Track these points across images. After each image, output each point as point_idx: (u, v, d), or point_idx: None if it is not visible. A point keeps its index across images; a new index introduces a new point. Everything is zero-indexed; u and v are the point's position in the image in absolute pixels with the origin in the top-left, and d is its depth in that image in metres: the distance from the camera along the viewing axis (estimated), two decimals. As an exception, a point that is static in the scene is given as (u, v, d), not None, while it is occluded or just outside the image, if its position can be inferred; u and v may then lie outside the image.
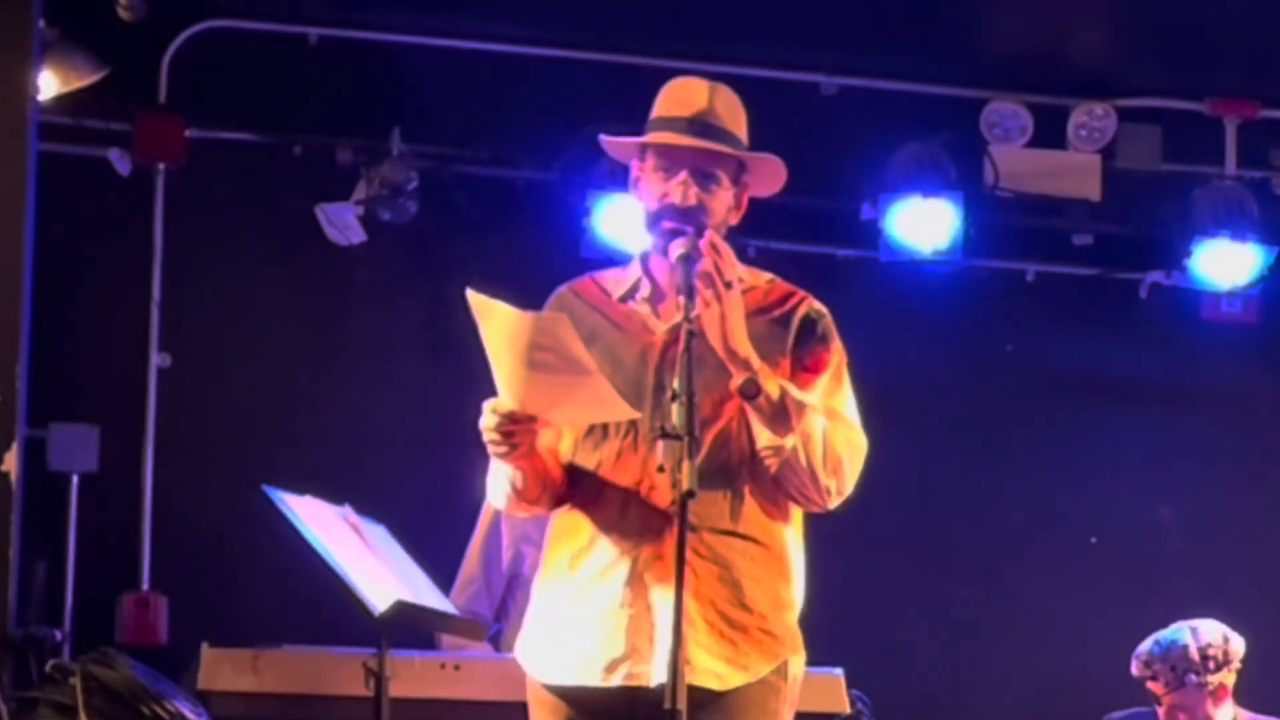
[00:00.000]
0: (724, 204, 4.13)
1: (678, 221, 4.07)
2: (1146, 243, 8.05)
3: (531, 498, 4.11)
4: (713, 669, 3.99)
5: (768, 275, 4.25)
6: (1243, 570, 7.88)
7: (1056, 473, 7.99)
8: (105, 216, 7.39)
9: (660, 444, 3.74)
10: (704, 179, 4.09)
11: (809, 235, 7.74)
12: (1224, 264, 7.80)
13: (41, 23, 6.16)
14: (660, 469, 3.76)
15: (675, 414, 3.72)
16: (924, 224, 7.60)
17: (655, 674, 3.95)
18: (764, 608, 4.08)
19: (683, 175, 4.08)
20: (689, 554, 3.85)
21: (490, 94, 7.56)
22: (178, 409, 7.39)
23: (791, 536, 4.15)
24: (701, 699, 3.90)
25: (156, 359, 7.40)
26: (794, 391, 4.02)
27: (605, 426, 4.06)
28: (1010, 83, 7.87)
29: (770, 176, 4.21)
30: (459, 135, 7.55)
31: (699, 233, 4.05)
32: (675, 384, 3.77)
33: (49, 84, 6.71)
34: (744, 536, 4.06)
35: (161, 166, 7.42)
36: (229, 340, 7.42)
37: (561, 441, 4.12)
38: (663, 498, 3.97)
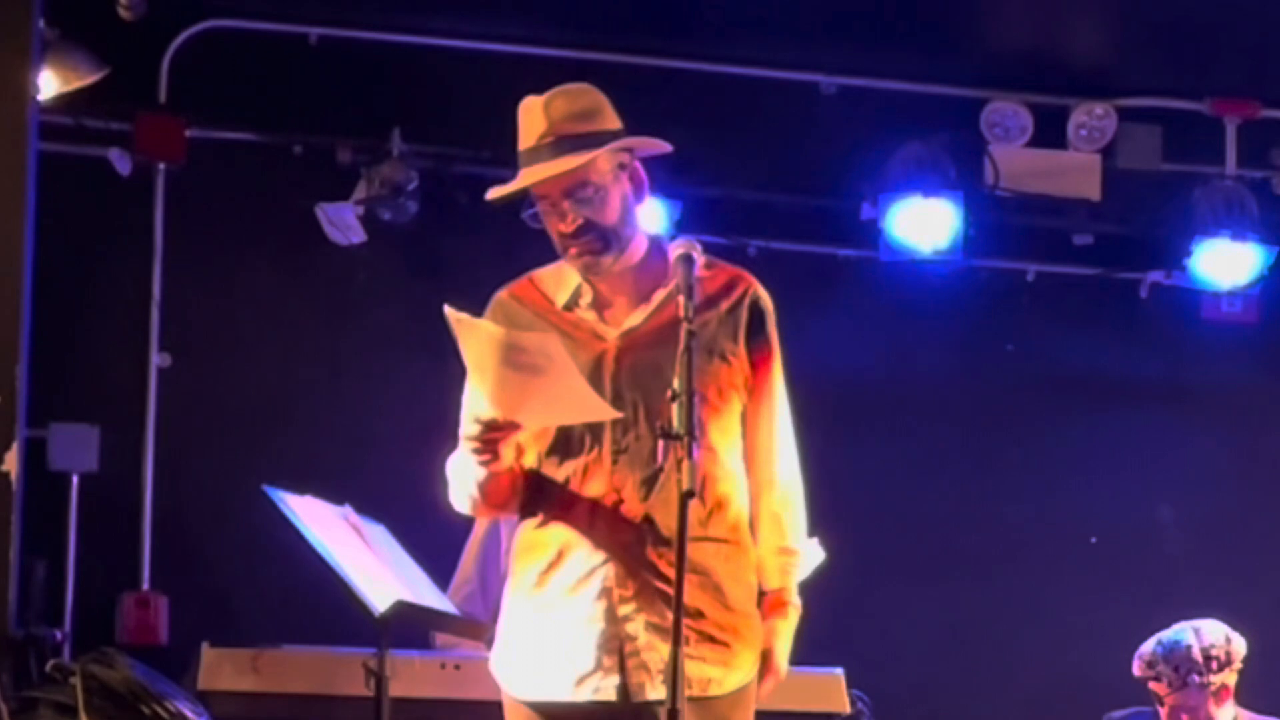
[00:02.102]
0: (615, 198, 4.05)
1: (579, 247, 4.04)
2: (1146, 243, 8.05)
3: (497, 503, 4.10)
4: (710, 676, 4.01)
5: (703, 258, 4.20)
6: (1243, 570, 7.87)
7: (1057, 472, 7.99)
8: (105, 216, 7.38)
9: (660, 444, 3.74)
10: (578, 193, 4.02)
11: (809, 235, 7.73)
12: (1224, 264, 7.80)
13: (41, 23, 6.16)
14: (660, 469, 3.76)
15: (675, 414, 3.72)
16: (924, 224, 7.60)
17: (632, 689, 3.96)
18: (743, 604, 4.10)
19: (560, 204, 4.02)
20: (666, 569, 3.91)
21: (490, 94, 7.50)
22: (178, 409, 7.38)
23: (746, 520, 4.16)
24: (702, 709, 3.93)
25: (156, 359, 7.40)
26: (793, 577, 4.18)
27: (569, 443, 4.04)
28: (1010, 83, 7.87)
29: (651, 141, 4.13)
30: (459, 135, 7.54)
31: (607, 247, 4.02)
32: (675, 384, 3.76)
33: (49, 84, 6.71)
34: (715, 539, 4.07)
35: (161, 166, 7.42)
36: (229, 340, 7.42)
37: (525, 456, 4.10)
38: (631, 511, 3.99)
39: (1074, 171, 7.91)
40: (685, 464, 3.69)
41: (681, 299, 3.90)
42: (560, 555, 4.05)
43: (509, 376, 3.86)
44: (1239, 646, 6.22)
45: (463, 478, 4.08)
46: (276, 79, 7.49)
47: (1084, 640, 7.60)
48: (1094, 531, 8.01)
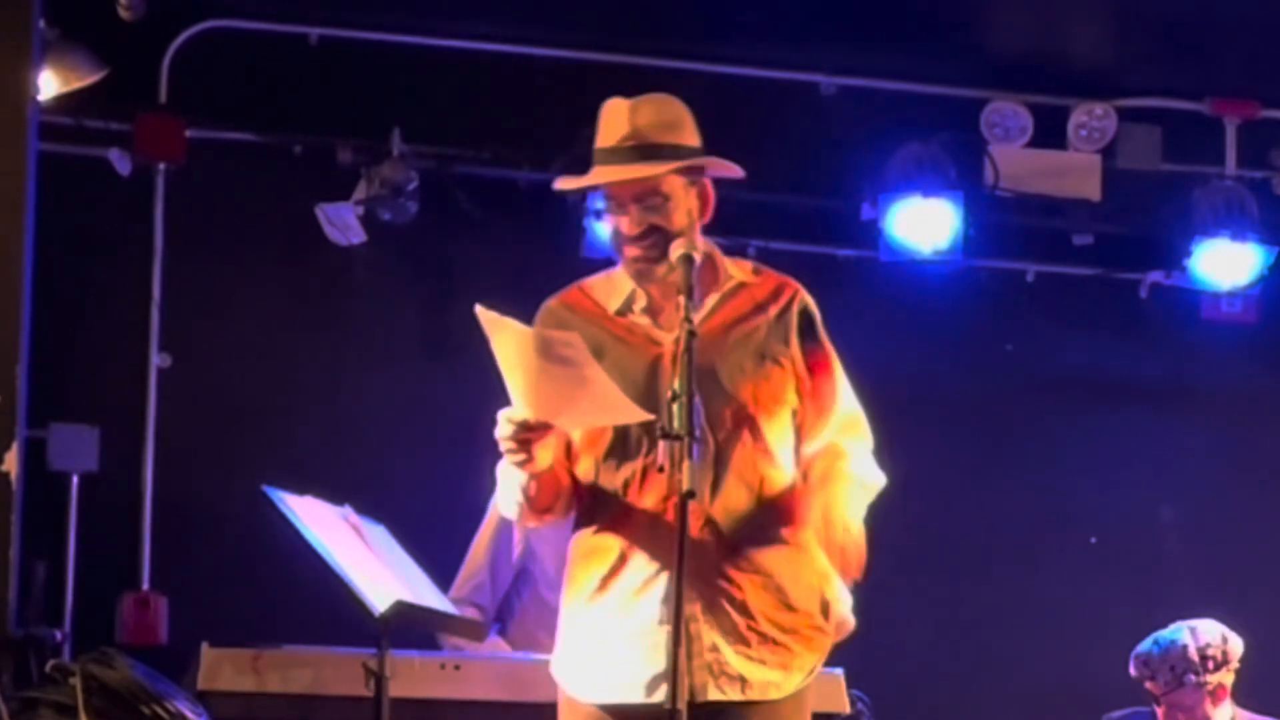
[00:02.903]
0: (682, 210, 4.10)
1: (639, 250, 4.08)
2: (1146, 243, 8.05)
3: (543, 506, 4.13)
4: (770, 680, 4.05)
5: (750, 264, 4.25)
6: (1243, 570, 7.88)
7: (1057, 472, 7.99)
8: (105, 216, 7.38)
9: (661, 445, 3.75)
10: (649, 199, 4.06)
11: (809, 235, 7.74)
12: (1224, 264, 7.80)
13: (41, 23, 6.16)
14: (660, 469, 3.78)
15: (675, 414, 3.74)
16: (924, 224, 7.61)
17: (700, 689, 3.98)
18: (807, 604, 4.13)
19: (627, 205, 4.07)
20: (732, 571, 3.99)
21: (490, 94, 7.56)
22: (178, 409, 7.38)
23: (805, 522, 4.18)
24: (757, 711, 4.00)
25: (156, 359, 7.40)
26: (856, 521, 4.09)
27: (626, 447, 4.06)
28: (1010, 83, 7.87)
29: (723, 164, 4.18)
30: (459, 135, 7.55)
31: (664, 256, 4.03)
32: (675, 384, 3.79)
33: (49, 84, 6.71)
34: (774, 540, 4.09)
35: (161, 166, 7.42)
36: (229, 340, 7.42)
37: (579, 464, 4.13)
38: (692, 515, 3.94)
39: (1074, 171, 7.91)
40: (686, 464, 3.70)
41: (682, 299, 3.93)
42: (622, 560, 4.07)
43: (539, 376, 3.87)
44: (1235, 646, 6.22)
45: (509, 483, 4.10)
46: (276, 79, 7.49)
47: (1084, 640, 7.60)
48: (1094, 531, 8.01)
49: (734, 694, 3.99)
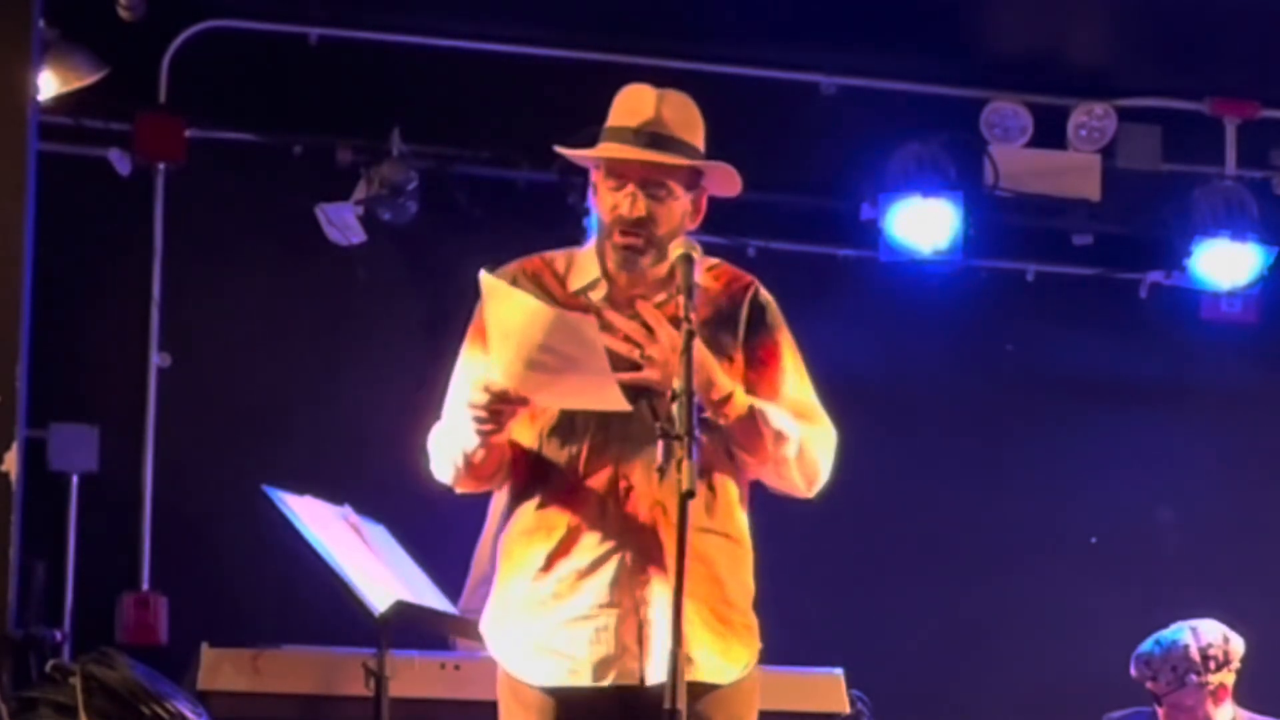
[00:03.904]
0: (678, 211, 4.11)
1: (629, 233, 4.07)
2: (1146, 243, 8.05)
3: (484, 475, 4.12)
4: (713, 664, 4.05)
5: (710, 260, 4.24)
6: (1243, 570, 7.87)
7: (1056, 473, 7.99)
8: (105, 216, 7.38)
9: (660, 444, 3.74)
10: (654, 189, 4.07)
11: (809, 235, 7.74)
12: (1224, 264, 7.81)
13: (41, 23, 6.16)
14: (660, 469, 3.77)
15: (676, 413, 3.73)
16: (924, 224, 7.61)
17: (651, 673, 3.97)
18: (741, 601, 4.14)
19: (630, 188, 4.07)
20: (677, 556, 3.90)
21: (490, 94, 7.56)
22: (178, 409, 7.38)
23: (747, 523, 4.19)
24: (701, 693, 3.97)
25: (156, 359, 7.40)
26: (772, 419, 4.04)
27: (573, 424, 4.05)
28: (1010, 83, 7.87)
29: (727, 179, 4.19)
30: (459, 135, 7.55)
31: (649, 247, 4.05)
32: (676, 384, 3.78)
33: (49, 84, 6.71)
34: (718, 532, 4.10)
35: (161, 166, 7.42)
36: (229, 340, 7.42)
37: (521, 435, 4.10)
38: (642, 497, 4.00)
39: (1074, 171, 7.91)
40: (685, 464, 3.70)
41: (681, 299, 3.92)
42: (570, 539, 4.05)
43: (538, 354, 3.85)
44: (1237, 646, 6.22)
45: (450, 447, 4.11)
46: (276, 79, 7.50)
47: (1084, 640, 7.60)
48: (1094, 532, 8.01)
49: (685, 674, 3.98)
